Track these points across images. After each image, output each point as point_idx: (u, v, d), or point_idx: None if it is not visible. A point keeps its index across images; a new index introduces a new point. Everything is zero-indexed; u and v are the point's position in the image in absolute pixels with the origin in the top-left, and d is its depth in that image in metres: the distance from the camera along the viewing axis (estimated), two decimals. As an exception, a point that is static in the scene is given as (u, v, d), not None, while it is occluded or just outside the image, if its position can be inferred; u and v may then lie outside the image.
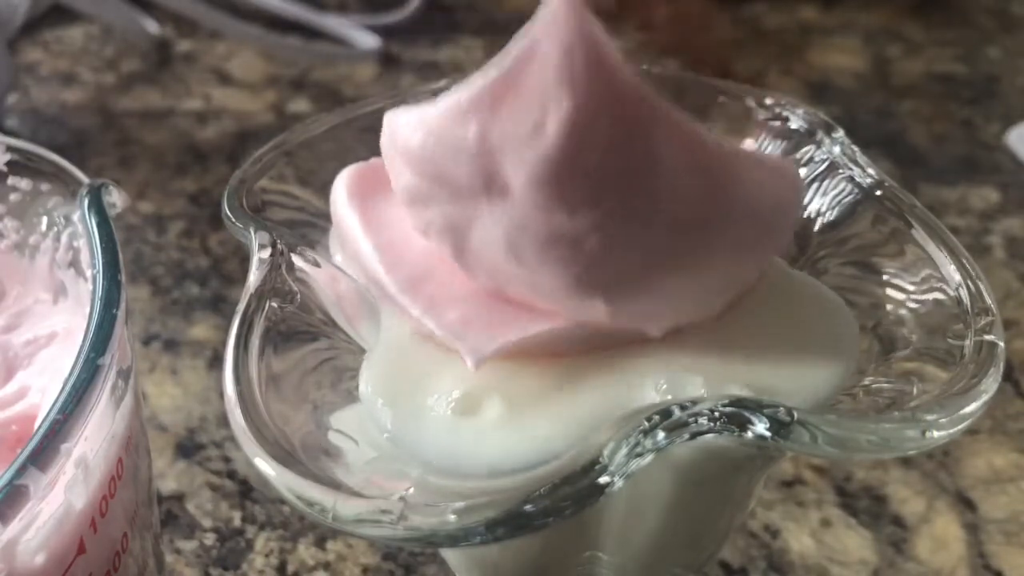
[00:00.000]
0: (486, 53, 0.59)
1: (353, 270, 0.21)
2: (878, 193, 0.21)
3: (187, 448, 0.32)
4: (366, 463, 0.18)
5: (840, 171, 0.22)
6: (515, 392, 0.18)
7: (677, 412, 0.15)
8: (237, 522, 0.29)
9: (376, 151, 0.20)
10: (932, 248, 0.20)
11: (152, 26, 0.55)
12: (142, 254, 0.40)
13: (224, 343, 0.18)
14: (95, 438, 0.18)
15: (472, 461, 0.17)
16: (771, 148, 0.24)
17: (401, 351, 0.19)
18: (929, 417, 0.16)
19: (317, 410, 0.19)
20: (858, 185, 0.21)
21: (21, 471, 0.15)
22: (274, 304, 0.19)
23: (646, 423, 0.15)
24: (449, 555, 0.23)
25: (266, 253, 0.20)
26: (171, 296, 0.38)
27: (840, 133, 0.23)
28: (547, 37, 0.15)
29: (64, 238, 0.22)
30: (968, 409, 0.16)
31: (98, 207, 0.21)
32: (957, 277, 0.19)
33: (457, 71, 0.57)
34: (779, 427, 0.15)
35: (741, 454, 0.19)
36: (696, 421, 0.15)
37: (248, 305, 0.19)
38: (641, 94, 0.16)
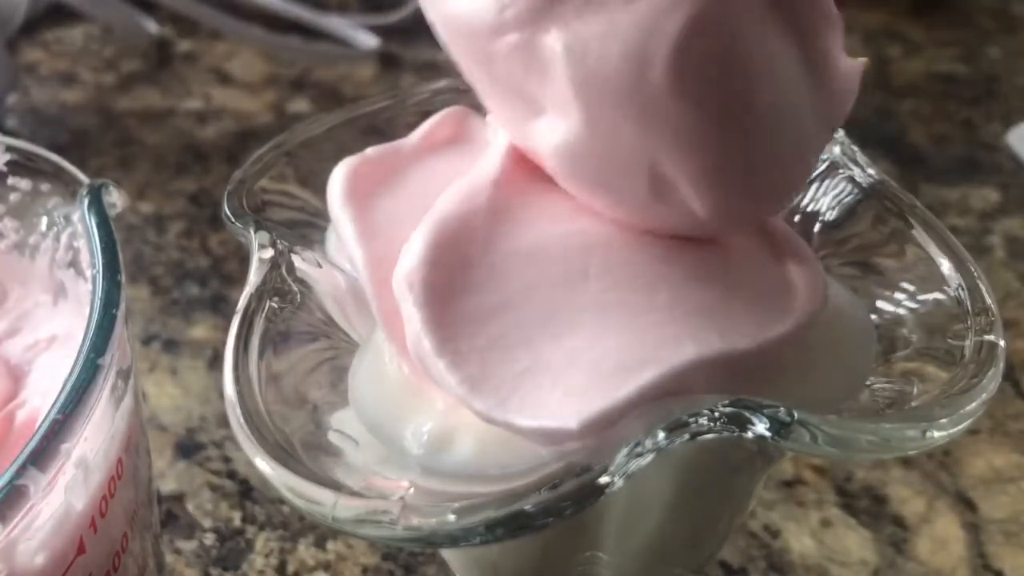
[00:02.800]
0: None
1: (350, 265, 0.20)
2: (878, 193, 0.21)
3: (187, 448, 0.32)
4: (366, 463, 0.18)
5: (840, 171, 0.22)
6: (486, 429, 0.17)
7: (677, 412, 0.15)
8: (237, 522, 0.29)
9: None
10: (932, 248, 0.20)
11: (152, 26, 0.55)
12: (142, 254, 0.40)
13: (224, 343, 0.18)
14: (95, 438, 0.18)
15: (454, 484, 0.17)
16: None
17: (382, 373, 0.19)
18: (929, 417, 0.16)
19: (317, 410, 0.19)
20: (858, 185, 0.21)
21: (21, 471, 0.15)
22: (274, 304, 0.19)
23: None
24: (449, 555, 0.23)
25: (266, 253, 0.20)
26: (171, 296, 0.38)
27: (840, 133, 0.23)
28: None
29: (64, 238, 0.22)
30: (968, 409, 0.16)
31: (98, 207, 0.21)
32: (957, 277, 0.19)
33: (457, 71, 0.56)
34: (779, 427, 0.15)
35: (741, 454, 0.19)
36: (696, 421, 0.15)
37: (248, 305, 0.19)
38: None
